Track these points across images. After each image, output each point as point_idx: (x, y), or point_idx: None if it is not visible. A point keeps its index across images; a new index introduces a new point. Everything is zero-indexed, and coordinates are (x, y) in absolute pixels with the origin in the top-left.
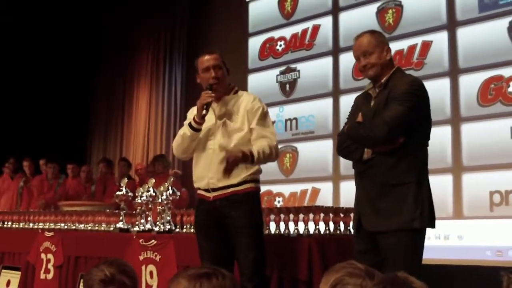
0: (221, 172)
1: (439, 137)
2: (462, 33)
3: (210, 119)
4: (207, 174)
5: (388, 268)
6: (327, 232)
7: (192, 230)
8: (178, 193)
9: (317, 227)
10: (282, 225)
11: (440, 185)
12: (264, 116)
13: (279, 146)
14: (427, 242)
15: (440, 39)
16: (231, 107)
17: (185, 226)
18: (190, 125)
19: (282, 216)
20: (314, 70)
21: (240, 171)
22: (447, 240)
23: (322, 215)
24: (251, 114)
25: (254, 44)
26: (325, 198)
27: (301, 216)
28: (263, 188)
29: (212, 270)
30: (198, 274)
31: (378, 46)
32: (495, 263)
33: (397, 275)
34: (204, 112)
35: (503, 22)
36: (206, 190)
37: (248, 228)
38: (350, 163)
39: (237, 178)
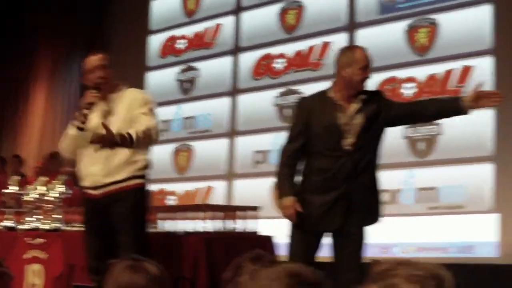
0: (106, 169)
1: None
2: (362, 34)
3: (95, 117)
4: (92, 171)
5: None
6: (219, 230)
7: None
8: (70, 191)
9: (205, 225)
10: (170, 223)
11: None
12: (145, 103)
13: (175, 145)
14: None
15: (339, 40)
16: (115, 104)
17: (74, 224)
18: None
19: (170, 214)
20: (214, 69)
21: (126, 167)
22: None
23: (211, 213)
24: (134, 104)
25: (155, 42)
26: (220, 196)
27: (190, 214)
28: (156, 187)
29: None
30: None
31: None
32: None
33: None
34: (86, 111)
35: (401, 25)
36: (92, 188)
37: (130, 226)
38: (245, 162)
39: (122, 174)
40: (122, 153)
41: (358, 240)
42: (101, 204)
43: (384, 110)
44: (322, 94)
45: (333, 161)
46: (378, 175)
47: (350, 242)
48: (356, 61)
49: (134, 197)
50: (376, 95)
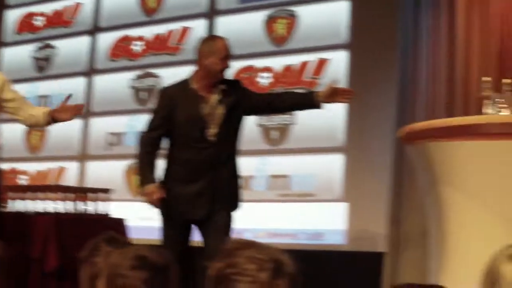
0: None
1: None
2: (222, 21)
3: None
4: None
5: None
6: (70, 211)
7: None
8: None
9: (56, 206)
10: (21, 203)
11: None
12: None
13: None
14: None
15: (199, 26)
16: None
17: None
18: None
19: (21, 194)
20: (71, 48)
21: None
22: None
23: (62, 194)
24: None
25: (12, 17)
26: (72, 177)
27: (41, 194)
28: (7, 166)
29: None
30: None
31: None
32: None
33: None
34: None
35: (261, 15)
36: None
37: None
38: (99, 144)
39: None
40: None
41: (224, 227)
42: None
43: (244, 100)
44: (184, 85)
45: (197, 151)
46: (238, 163)
47: (217, 229)
48: (216, 51)
49: None
50: (235, 84)
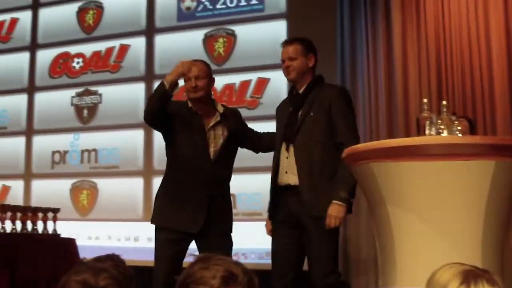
0: None
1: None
2: (160, 40)
3: None
4: None
5: None
6: (21, 232)
7: None
8: None
9: (4, 226)
10: None
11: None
12: None
13: None
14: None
15: (138, 44)
16: None
17: None
18: None
19: None
20: (10, 64)
21: None
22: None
23: (11, 213)
24: None
25: None
26: (16, 196)
27: None
28: None
29: None
30: None
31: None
32: None
33: None
34: None
35: (199, 33)
36: None
37: None
38: (44, 162)
39: None
40: None
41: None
42: None
43: (241, 128)
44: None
45: (196, 168)
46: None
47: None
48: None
49: None
50: (235, 113)
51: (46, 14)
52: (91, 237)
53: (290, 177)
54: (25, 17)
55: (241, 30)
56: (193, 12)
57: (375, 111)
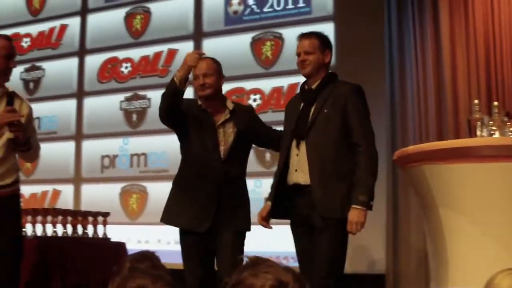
0: None
1: None
2: (208, 44)
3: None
4: None
5: None
6: (71, 235)
7: None
8: None
9: (55, 229)
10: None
11: None
12: None
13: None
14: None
15: (185, 48)
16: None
17: None
18: None
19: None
20: (60, 70)
21: (12, 169)
22: None
23: (61, 217)
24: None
25: None
26: (66, 200)
27: (39, 218)
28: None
29: None
30: None
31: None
32: None
33: None
34: None
35: (247, 37)
36: None
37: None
38: (94, 166)
39: (11, 178)
40: (12, 157)
41: (231, 247)
42: None
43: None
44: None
45: (206, 167)
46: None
47: (222, 249)
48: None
49: (18, 202)
50: (247, 109)
51: (94, 19)
52: (141, 241)
53: (300, 175)
54: (74, 23)
55: (288, 33)
56: (240, 16)
57: (425, 113)
